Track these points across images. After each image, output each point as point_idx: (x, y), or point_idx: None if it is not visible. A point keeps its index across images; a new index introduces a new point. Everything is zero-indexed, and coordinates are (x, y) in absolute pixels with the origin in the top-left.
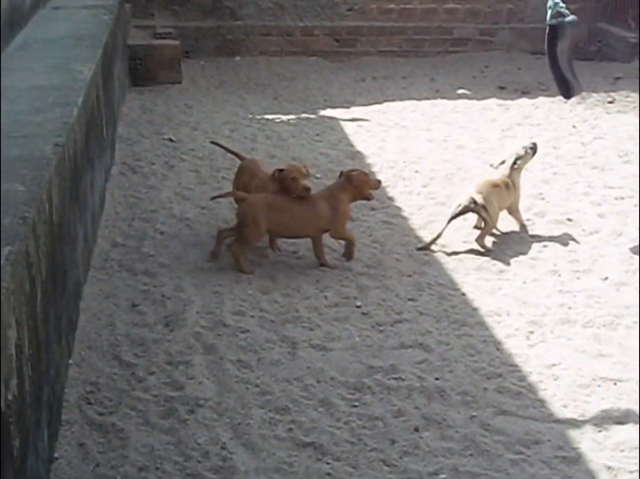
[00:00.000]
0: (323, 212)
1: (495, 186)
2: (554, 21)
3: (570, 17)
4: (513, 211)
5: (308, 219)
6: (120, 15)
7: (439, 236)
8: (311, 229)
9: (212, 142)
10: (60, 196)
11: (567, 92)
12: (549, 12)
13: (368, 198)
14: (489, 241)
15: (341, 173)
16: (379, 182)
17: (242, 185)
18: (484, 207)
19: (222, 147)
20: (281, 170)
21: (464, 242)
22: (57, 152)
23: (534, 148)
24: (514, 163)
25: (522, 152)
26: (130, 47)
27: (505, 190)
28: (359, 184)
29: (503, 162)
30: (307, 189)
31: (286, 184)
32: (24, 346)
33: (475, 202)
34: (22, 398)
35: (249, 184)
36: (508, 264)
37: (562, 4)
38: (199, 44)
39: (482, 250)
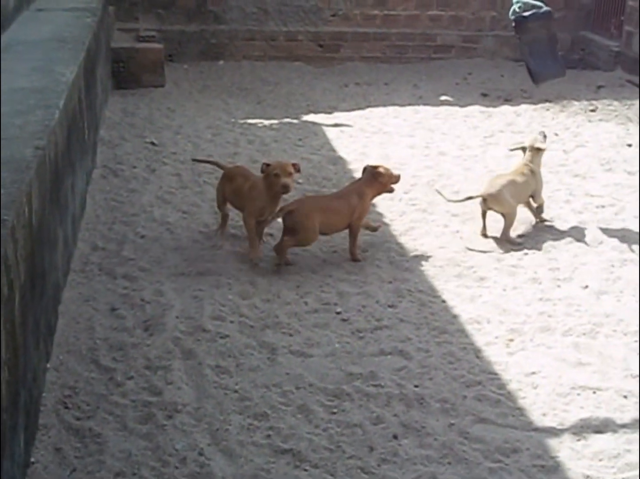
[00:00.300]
0: (354, 207)
1: (510, 180)
2: (513, 17)
3: (530, 12)
4: (536, 200)
5: (344, 214)
6: (103, 18)
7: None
8: (345, 224)
9: (194, 160)
10: (40, 199)
11: (533, 79)
12: (512, 8)
13: (390, 191)
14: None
15: (365, 168)
16: (399, 176)
17: (234, 189)
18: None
19: (203, 161)
20: (268, 165)
21: (443, 249)
22: (38, 155)
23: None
24: (537, 149)
25: (541, 139)
26: (113, 50)
27: (527, 178)
28: (383, 179)
29: (522, 149)
30: (285, 187)
31: (269, 179)
32: (1, 350)
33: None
34: None
35: (242, 187)
36: (488, 271)
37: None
38: (182, 48)
39: (513, 246)
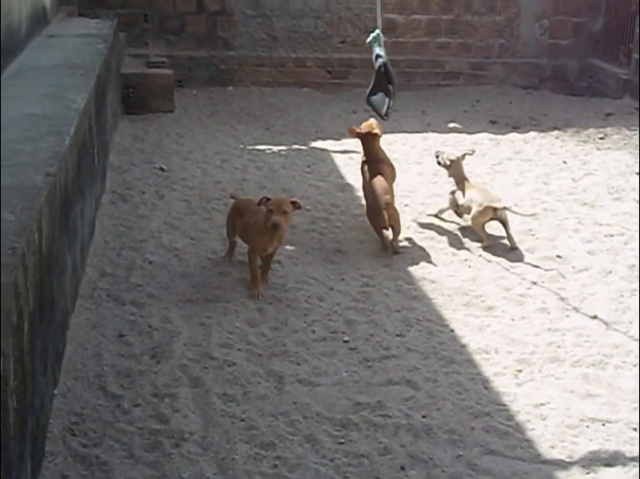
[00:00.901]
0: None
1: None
2: (383, 61)
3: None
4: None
5: None
6: (114, 44)
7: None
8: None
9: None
10: (50, 225)
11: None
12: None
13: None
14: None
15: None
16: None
17: (242, 224)
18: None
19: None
20: (268, 199)
21: (452, 277)
22: (48, 182)
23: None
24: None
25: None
26: (123, 76)
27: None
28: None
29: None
30: (275, 226)
31: (265, 215)
32: (10, 378)
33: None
34: (6, 430)
35: (248, 222)
36: (497, 300)
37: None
38: (192, 74)
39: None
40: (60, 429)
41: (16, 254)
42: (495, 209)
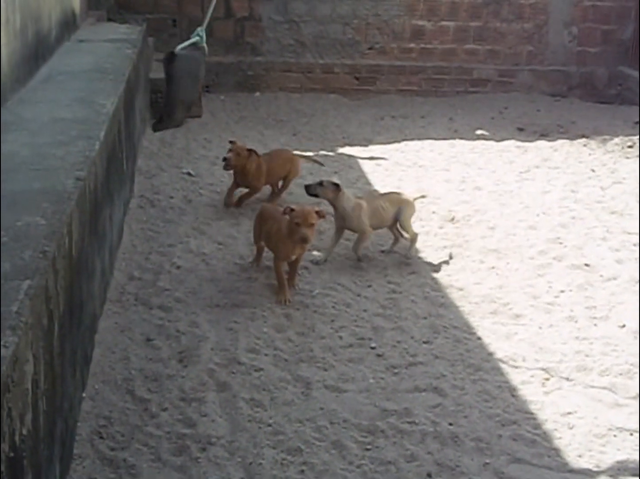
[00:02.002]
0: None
1: None
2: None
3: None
4: None
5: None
6: (143, 49)
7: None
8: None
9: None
10: (80, 229)
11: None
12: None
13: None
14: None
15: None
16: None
17: (266, 231)
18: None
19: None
20: (292, 209)
21: (479, 285)
22: (78, 186)
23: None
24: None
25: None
26: (152, 81)
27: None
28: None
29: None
30: (304, 239)
31: (291, 226)
32: (40, 380)
33: None
34: (36, 433)
35: (271, 229)
36: (524, 308)
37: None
38: (219, 79)
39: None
40: (89, 432)
41: (47, 258)
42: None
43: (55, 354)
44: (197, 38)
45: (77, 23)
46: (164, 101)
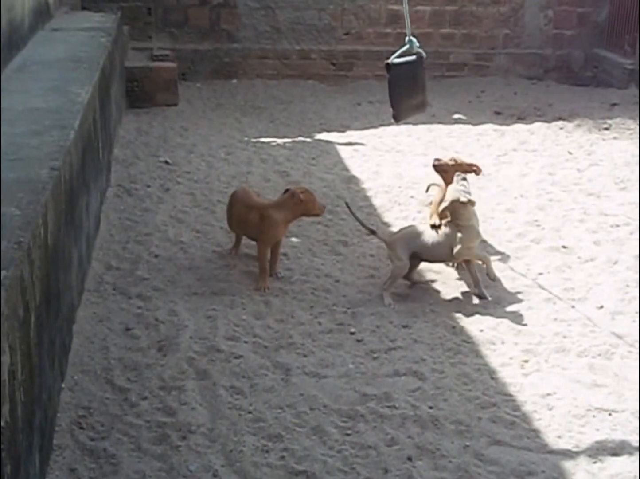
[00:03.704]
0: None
1: None
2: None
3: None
4: None
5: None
6: (118, 38)
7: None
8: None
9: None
10: (56, 219)
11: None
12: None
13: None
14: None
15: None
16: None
17: (237, 217)
18: None
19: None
20: (301, 193)
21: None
22: (54, 176)
23: None
24: None
25: None
26: (127, 69)
27: None
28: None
29: None
30: (323, 210)
31: (302, 205)
32: (17, 371)
33: None
34: (14, 424)
35: (246, 216)
36: (503, 291)
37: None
38: (196, 67)
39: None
40: (68, 422)
41: (22, 248)
42: None
43: (32, 345)
44: (406, 46)
45: (50, 12)
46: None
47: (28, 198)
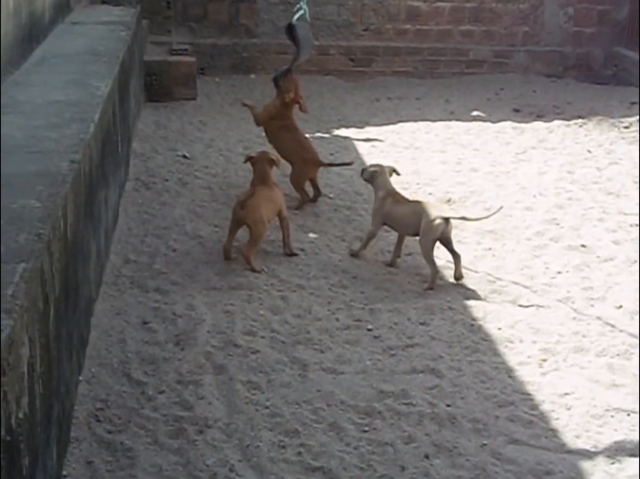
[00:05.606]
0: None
1: None
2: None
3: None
4: None
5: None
6: (137, 32)
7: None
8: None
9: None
10: (75, 212)
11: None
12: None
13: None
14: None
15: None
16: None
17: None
18: None
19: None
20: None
21: (476, 266)
22: (73, 169)
23: None
24: None
25: None
26: (146, 63)
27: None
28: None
29: None
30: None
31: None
32: (36, 363)
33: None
34: (32, 416)
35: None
36: (521, 289)
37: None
38: (214, 61)
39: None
40: (85, 415)
41: (42, 241)
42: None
43: (51, 337)
44: (302, 12)
45: (70, 5)
46: (292, 62)
47: (48, 191)
